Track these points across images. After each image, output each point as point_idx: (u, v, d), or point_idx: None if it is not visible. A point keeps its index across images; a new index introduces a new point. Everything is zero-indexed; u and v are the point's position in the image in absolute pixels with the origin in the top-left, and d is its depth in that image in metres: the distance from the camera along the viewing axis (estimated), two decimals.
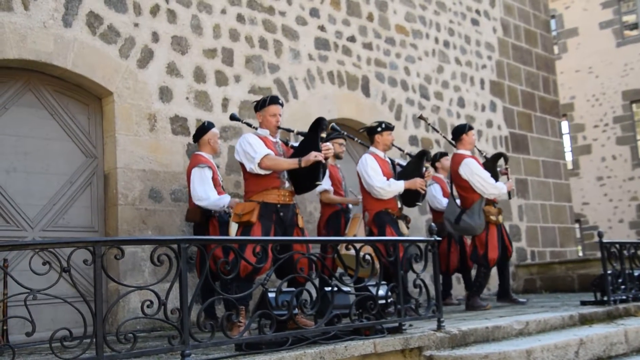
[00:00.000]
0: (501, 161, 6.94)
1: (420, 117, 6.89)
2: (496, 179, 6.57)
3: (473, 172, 6.35)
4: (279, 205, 4.63)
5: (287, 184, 4.71)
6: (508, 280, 6.97)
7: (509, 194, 6.90)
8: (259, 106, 4.85)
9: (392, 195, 5.80)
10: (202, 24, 6.50)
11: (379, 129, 6.01)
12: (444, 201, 7.21)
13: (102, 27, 5.74)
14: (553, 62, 12.01)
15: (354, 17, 8.17)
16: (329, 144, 4.70)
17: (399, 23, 8.80)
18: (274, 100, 4.81)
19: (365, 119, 7.81)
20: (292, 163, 4.57)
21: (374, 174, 5.77)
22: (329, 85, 7.72)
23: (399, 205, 5.91)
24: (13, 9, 5.20)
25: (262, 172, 4.58)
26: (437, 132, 7.32)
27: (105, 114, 5.86)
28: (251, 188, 4.68)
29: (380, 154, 5.99)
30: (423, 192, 5.86)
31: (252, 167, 4.58)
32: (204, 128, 5.62)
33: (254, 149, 4.59)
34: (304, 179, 4.66)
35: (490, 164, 6.70)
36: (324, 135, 4.70)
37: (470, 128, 6.74)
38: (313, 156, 4.52)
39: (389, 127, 6.05)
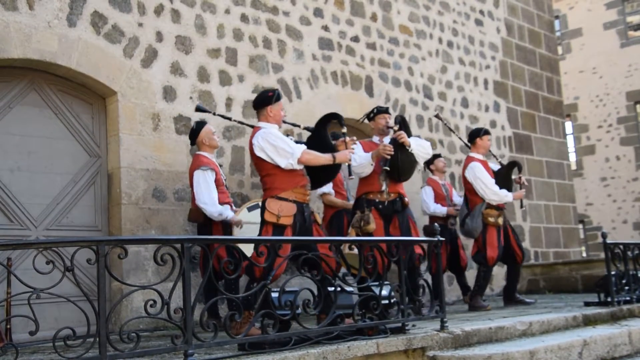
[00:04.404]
0: (515, 170, 6.97)
1: (437, 116, 7.06)
2: (510, 187, 6.67)
3: (476, 176, 6.48)
4: (304, 205, 4.51)
5: (309, 183, 4.58)
6: (515, 284, 6.96)
7: (521, 202, 7.04)
8: (272, 100, 4.57)
9: (358, 174, 5.57)
10: (206, 23, 6.51)
11: (371, 115, 5.90)
12: (433, 206, 7.14)
13: (107, 26, 5.75)
14: (557, 63, 11.99)
15: (357, 17, 8.17)
16: (354, 138, 4.70)
17: (402, 23, 8.80)
18: (281, 94, 4.74)
19: None
20: (327, 159, 4.48)
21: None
22: (332, 85, 7.72)
23: (384, 187, 5.57)
24: (18, 8, 5.21)
25: (298, 167, 4.41)
26: (453, 132, 7.45)
27: (109, 113, 5.87)
28: (279, 185, 4.39)
29: (375, 139, 5.86)
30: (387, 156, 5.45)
31: (292, 162, 4.35)
32: (194, 130, 5.52)
33: (288, 144, 4.40)
34: (322, 175, 4.60)
35: (505, 172, 6.77)
36: (344, 130, 4.70)
37: (486, 132, 6.83)
38: (348, 154, 4.53)
39: (380, 111, 5.87)
